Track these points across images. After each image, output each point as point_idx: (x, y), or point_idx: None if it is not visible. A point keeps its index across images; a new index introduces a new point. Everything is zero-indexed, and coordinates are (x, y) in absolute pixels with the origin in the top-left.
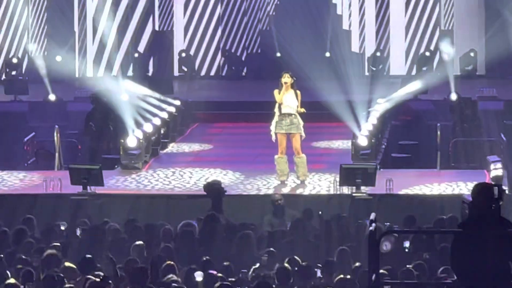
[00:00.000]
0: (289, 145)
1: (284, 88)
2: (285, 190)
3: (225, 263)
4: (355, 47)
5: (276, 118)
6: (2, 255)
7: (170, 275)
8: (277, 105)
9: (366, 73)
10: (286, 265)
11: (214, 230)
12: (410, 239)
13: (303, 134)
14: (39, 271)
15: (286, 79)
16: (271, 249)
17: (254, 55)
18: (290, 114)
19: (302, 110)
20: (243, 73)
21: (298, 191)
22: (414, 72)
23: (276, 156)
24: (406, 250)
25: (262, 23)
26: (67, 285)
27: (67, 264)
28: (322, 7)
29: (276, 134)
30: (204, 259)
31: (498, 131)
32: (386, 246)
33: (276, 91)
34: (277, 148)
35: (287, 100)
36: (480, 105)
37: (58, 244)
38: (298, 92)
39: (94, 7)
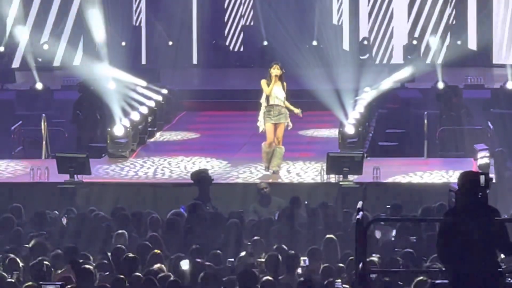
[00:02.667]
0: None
1: (273, 80)
2: (272, 179)
3: (212, 251)
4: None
5: (263, 109)
6: None
7: (157, 264)
8: (264, 96)
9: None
10: (276, 253)
11: (199, 219)
12: (396, 228)
13: (290, 124)
14: (26, 260)
15: (277, 71)
16: (257, 237)
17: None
18: (278, 105)
19: (298, 110)
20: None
21: (285, 180)
22: (401, 60)
23: (263, 144)
24: (392, 238)
25: (248, 13)
26: (55, 273)
27: (54, 252)
28: None
29: (265, 125)
30: (194, 247)
31: (485, 119)
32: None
33: (264, 82)
34: (264, 137)
35: (276, 91)
36: (467, 93)
37: (45, 232)
38: (285, 84)
39: None
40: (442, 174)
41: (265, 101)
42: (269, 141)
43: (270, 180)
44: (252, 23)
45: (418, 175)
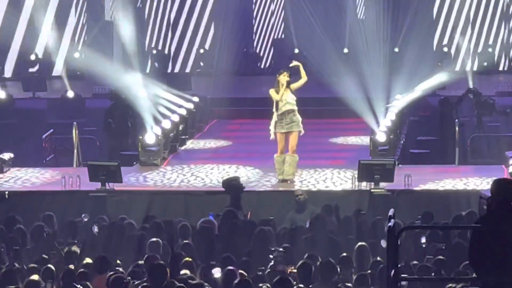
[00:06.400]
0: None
1: (283, 87)
2: (303, 186)
3: (244, 259)
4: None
5: (275, 117)
6: (21, 252)
7: (187, 272)
8: (275, 104)
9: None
10: (308, 261)
11: (233, 226)
12: (426, 235)
13: (302, 131)
14: (58, 268)
15: (287, 78)
16: (289, 245)
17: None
18: (290, 111)
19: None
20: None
21: (316, 187)
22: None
23: (275, 155)
24: (423, 245)
25: (280, 22)
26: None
27: (87, 260)
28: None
29: (275, 133)
30: (224, 255)
31: None
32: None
33: (273, 90)
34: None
35: (287, 97)
36: (498, 100)
37: (77, 241)
38: (292, 85)
39: (111, 3)
40: (473, 182)
41: (276, 109)
42: (279, 150)
43: (302, 187)
44: (283, 35)
45: (449, 182)
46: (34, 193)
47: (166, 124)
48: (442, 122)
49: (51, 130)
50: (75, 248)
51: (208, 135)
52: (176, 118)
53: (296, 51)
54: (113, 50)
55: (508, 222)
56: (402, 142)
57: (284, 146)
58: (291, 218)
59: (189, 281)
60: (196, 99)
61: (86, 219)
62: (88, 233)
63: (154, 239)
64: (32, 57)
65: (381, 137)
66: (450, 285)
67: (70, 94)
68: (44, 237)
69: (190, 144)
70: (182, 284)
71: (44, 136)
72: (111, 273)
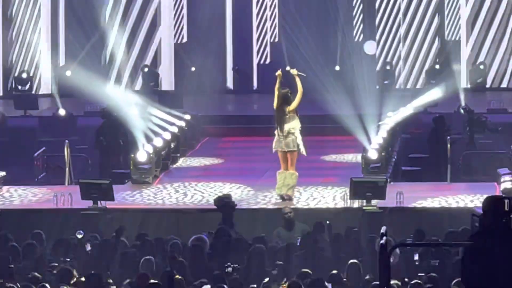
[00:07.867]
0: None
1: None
2: (295, 204)
3: (236, 277)
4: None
5: (299, 132)
6: (13, 270)
7: None
8: (297, 121)
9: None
10: (297, 280)
11: (225, 244)
12: (419, 252)
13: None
14: (51, 286)
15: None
16: (281, 262)
17: (264, 67)
18: None
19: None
20: (253, 87)
21: (308, 205)
22: (423, 85)
23: (297, 173)
24: (416, 263)
25: (272, 37)
26: None
27: (80, 279)
28: (332, 20)
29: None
30: (216, 273)
31: (508, 144)
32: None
33: (295, 108)
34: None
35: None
36: (490, 118)
37: (69, 259)
38: (291, 105)
39: (105, 21)
40: (465, 199)
41: (299, 123)
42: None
43: (293, 205)
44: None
45: (441, 199)
46: (26, 211)
47: (158, 142)
48: (435, 140)
49: (43, 148)
50: (67, 266)
51: (199, 153)
52: (167, 136)
53: (288, 68)
54: (104, 67)
55: (500, 240)
56: (394, 159)
57: None
58: (278, 235)
59: None
60: (187, 117)
61: (80, 236)
62: (80, 251)
63: (146, 257)
64: (24, 75)
65: (373, 154)
66: None
67: (62, 112)
68: (36, 255)
69: (181, 162)
70: None
71: (35, 154)
72: None
